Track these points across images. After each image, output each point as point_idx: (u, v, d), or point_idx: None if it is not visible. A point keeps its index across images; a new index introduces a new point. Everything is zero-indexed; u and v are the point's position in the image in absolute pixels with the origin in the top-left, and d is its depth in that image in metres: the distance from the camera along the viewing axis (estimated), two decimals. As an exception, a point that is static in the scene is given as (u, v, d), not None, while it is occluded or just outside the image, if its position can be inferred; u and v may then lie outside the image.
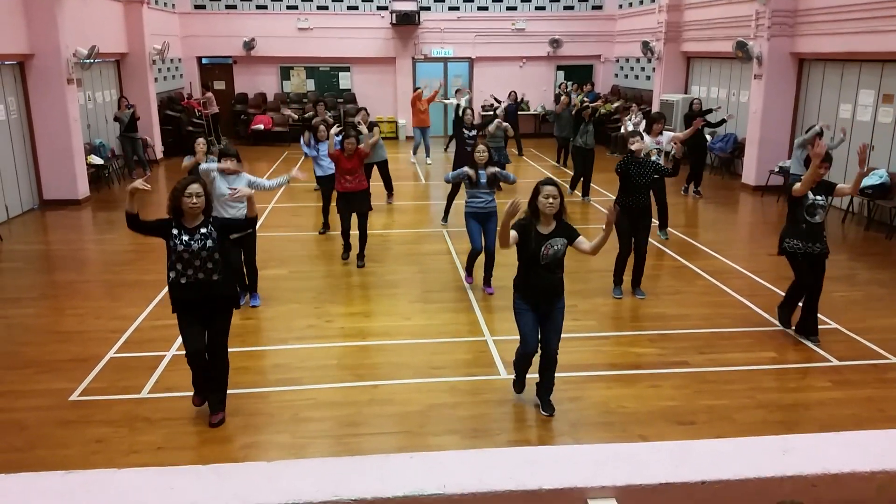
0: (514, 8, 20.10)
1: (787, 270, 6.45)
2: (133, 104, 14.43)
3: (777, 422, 5.07)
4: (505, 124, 11.67)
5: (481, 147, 7.25)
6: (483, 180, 7.23)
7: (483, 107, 18.83)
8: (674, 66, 16.56)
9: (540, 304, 4.91)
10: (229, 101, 19.67)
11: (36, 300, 7.55)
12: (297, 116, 16.77)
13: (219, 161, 6.74)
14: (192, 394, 5.17)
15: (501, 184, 8.26)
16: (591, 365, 5.94)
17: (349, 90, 20.27)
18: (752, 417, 5.11)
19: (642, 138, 7.39)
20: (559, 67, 20.71)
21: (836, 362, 5.97)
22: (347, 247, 8.71)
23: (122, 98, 14.49)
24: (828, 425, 4.98)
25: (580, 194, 12.13)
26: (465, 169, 7.25)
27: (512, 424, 5.10)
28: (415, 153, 16.12)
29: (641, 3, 18.55)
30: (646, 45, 16.84)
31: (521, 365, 5.20)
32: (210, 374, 4.90)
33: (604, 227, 4.79)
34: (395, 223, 10.96)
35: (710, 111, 12.68)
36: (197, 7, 19.25)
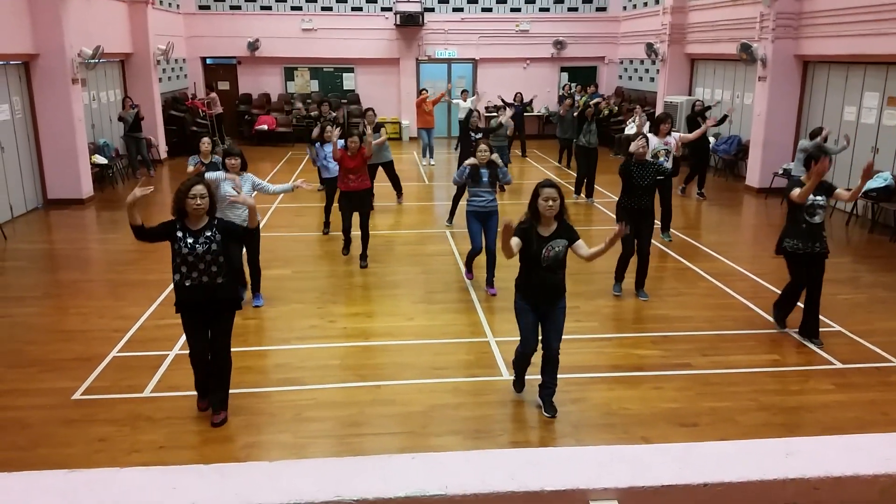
0: (518, 9, 20.09)
1: (790, 273, 6.44)
2: (137, 104, 14.45)
3: (780, 424, 5.06)
4: (509, 121, 11.78)
5: (483, 147, 7.28)
6: (485, 179, 7.26)
7: (487, 108, 18.82)
8: (678, 68, 16.54)
9: (540, 303, 4.91)
10: (233, 101, 19.70)
11: (40, 299, 7.57)
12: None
13: (223, 160, 6.76)
14: (194, 393, 5.19)
15: (503, 185, 8.28)
16: (593, 366, 5.93)
17: (353, 91, 20.30)
18: (754, 420, 5.10)
19: (647, 142, 7.38)
20: (563, 69, 20.70)
21: (839, 365, 5.95)
22: (347, 241, 8.79)
23: (127, 98, 14.52)
24: (830, 428, 4.97)
25: (584, 196, 12.12)
26: (468, 162, 7.29)
27: (514, 425, 5.10)
28: (424, 155, 16.09)
29: (645, 4, 18.53)
30: (650, 46, 16.82)
31: (519, 364, 5.22)
32: (212, 373, 4.92)
33: (607, 239, 4.73)
34: (399, 224, 10.96)
35: (708, 108, 12.66)
36: (201, 7, 19.29)
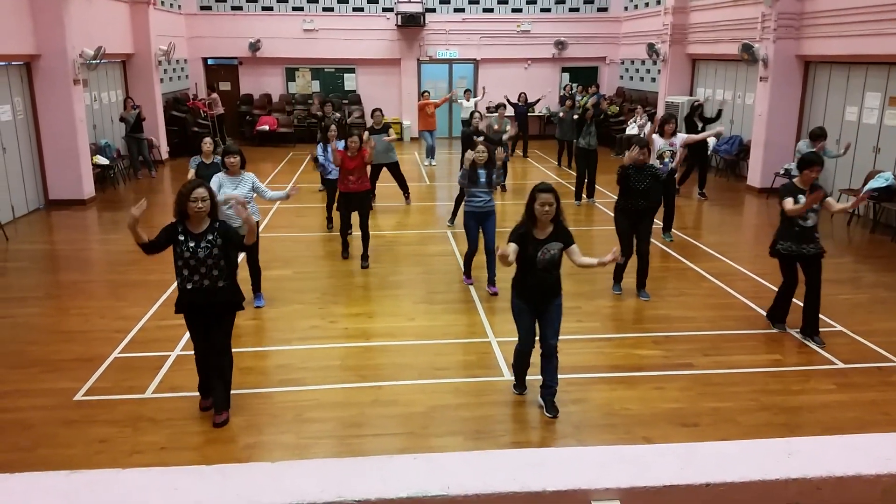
0: (520, 10, 20.10)
1: (792, 273, 6.43)
2: (139, 105, 14.47)
3: (781, 424, 5.05)
4: (505, 125, 11.82)
5: (481, 147, 7.32)
6: (482, 180, 7.29)
7: (488, 108, 18.80)
8: (679, 69, 16.52)
9: (537, 303, 4.97)
10: (234, 101, 19.72)
11: (41, 300, 7.58)
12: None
13: (223, 159, 6.76)
14: (195, 394, 5.20)
15: (499, 185, 8.32)
16: (594, 367, 5.93)
17: (354, 91, 20.30)
18: (756, 420, 5.09)
19: (648, 152, 7.37)
20: (564, 69, 20.70)
21: (840, 365, 5.95)
22: (345, 244, 8.84)
23: (128, 99, 14.53)
24: (831, 428, 4.96)
25: (585, 196, 12.12)
26: (468, 154, 7.38)
27: (515, 426, 5.10)
28: (427, 156, 16.08)
29: (647, 5, 18.53)
30: (651, 47, 16.82)
31: (519, 364, 5.25)
32: (214, 374, 4.93)
33: (601, 259, 4.81)
34: (400, 224, 10.96)
35: (700, 106, 12.48)
36: (203, 8, 19.30)
